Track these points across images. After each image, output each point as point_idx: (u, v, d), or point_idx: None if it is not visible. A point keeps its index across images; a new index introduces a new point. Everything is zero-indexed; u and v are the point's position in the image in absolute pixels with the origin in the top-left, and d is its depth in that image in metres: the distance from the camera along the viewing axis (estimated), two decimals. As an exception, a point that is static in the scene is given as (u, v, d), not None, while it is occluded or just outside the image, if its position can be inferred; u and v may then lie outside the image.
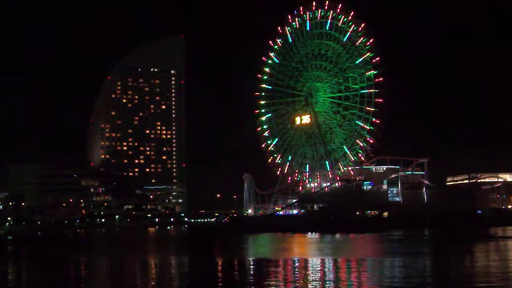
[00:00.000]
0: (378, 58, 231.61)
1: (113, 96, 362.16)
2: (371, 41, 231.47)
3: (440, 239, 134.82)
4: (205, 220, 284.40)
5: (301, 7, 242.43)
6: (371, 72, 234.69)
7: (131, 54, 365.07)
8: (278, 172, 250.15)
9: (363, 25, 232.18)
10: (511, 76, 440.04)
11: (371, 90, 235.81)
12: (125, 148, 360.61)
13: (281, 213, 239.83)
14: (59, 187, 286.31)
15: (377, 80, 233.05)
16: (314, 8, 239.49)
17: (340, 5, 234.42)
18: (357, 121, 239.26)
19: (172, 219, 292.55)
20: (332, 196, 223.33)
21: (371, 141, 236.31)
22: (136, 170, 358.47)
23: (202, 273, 73.20)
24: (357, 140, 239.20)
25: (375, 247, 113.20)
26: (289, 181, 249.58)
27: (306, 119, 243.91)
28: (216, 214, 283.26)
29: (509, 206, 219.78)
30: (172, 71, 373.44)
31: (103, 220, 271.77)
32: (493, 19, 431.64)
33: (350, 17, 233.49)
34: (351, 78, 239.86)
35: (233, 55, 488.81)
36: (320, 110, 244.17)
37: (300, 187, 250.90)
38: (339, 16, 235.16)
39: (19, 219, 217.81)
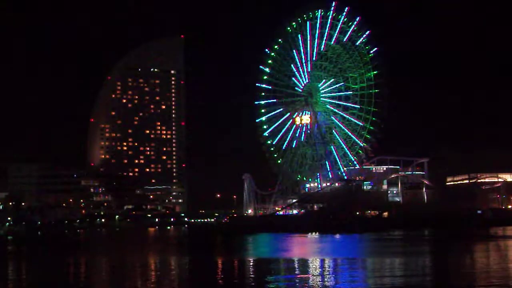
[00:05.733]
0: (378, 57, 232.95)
1: (113, 96, 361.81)
2: (371, 41, 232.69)
3: (440, 239, 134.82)
4: (205, 220, 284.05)
5: (301, 7, 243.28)
6: (371, 72, 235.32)
7: (131, 54, 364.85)
8: (278, 172, 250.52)
9: (361, 23, 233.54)
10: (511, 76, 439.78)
11: (371, 90, 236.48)
12: (125, 148, 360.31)
13: (281, 213, 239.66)
14: (59, 187, 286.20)
15: (377, 80, 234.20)
16: (314, 8, 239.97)
17: (340, 5, 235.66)
18: (357, 121, 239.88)
19: (172, 219, 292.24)
20: (332, 196, 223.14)
21: (371, 141, 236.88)
22: (136, 170, 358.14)
23: (202, 273, 73.17)
24: (357, 140, 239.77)
25: (375, 247, 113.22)
26: (289, 181, 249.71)
27: (306, 119, 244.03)
28: (216, 214, 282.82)
29: (509, 206, 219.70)
30: (172, 71, 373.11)
31: (103, 220, 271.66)
32: (493, 20, 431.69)
33: (350, 17, 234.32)
34: (351, 78, 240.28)
35: (233, 55, 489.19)
36: (320, 110, 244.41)
37: (300, 187, 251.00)
38: (339, 16, 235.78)
39: (19, 219, 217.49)
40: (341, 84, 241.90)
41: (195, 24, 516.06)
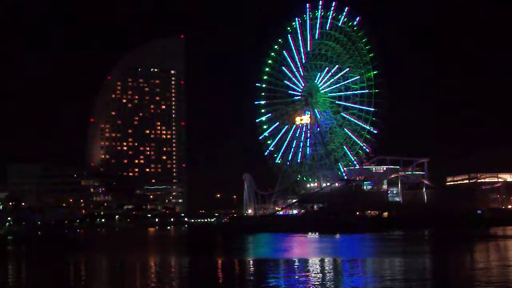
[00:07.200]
0: (379, 58, 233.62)
1: (113, 96, 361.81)
2: (371, 41, 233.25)
3: (440, 239, 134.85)
4: (205, 220, 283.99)
5: (301, 7, 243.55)
6: (371, 72, 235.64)
7: (131, 54, 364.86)
8: (278, 172, 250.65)
9: (362, 23, 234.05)
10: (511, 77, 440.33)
11: (371, 90, 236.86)
12: (125, 148, 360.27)
13: (281, 213, 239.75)
14: (59, 187, 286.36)
15: (377, 80, 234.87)
16: (314, 8, 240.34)
17: (339, 4, 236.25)
18: (357, 121, 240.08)
19: (172, 219, 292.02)
20: (332, 196, 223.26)
21: (371, 141, 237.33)
22: (136, 170, 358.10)
23: (201, 273, 73.18)
24: (357, 140, 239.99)
25: (375, 247, 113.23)
26: (289, 181, 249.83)
27: (306, 119, 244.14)
28: (216, 214, 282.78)
29: (509, 206, 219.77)
30: (172, 71, 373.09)
31: (103, 220, 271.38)
32: (491, 21, 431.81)
33: (350, 17, 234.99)
34: (351, 78, 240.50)
35: (233, 55, 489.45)
36: (320, 110, 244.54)
37: (300, 187, 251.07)
38: (339, 16, 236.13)
39: (19, 219, 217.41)
40: (341, 84, 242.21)
41: (195, 24, 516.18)
